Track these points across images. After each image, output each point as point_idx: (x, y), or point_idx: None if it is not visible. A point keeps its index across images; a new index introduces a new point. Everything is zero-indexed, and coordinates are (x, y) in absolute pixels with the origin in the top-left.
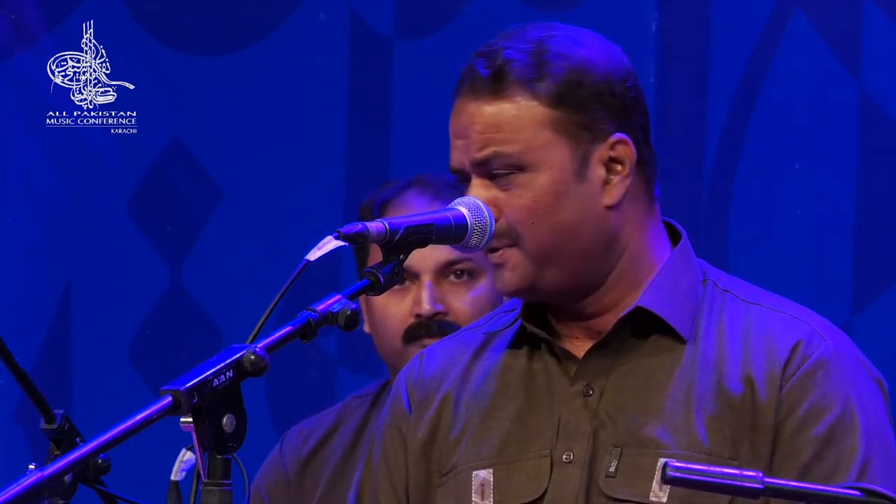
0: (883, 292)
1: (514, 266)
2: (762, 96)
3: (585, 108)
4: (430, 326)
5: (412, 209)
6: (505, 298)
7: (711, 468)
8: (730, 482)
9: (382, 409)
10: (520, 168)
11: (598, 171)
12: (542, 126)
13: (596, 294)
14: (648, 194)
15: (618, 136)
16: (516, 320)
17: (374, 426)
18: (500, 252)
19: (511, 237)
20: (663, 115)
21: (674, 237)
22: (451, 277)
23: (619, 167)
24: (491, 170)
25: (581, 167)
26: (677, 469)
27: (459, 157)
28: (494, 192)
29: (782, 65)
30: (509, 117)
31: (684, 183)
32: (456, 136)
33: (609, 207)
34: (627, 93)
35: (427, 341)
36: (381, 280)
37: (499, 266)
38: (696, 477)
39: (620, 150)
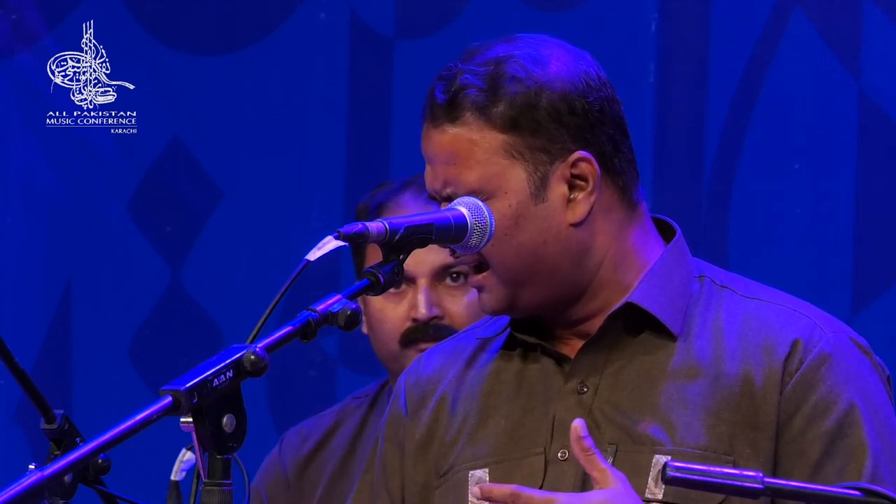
0: (883, 292)
1: (490, 289)
2: (762, 96)
3: (542, 129)
4: (426, 330)
5: (408, 211)
6: None
7: (711, 468)
8: (730, 482)
9: (382, 410)
10: (478, 196)
11: (560, 190)
12: (496, 153)
13: (580, 302)
14: (624, 201)
15: (579, 153)
16: (507, 328)
17: (373, 427)
18: (477, 276)
19: (479, 261)
20: (663, 115)
21: (668, 234)
22: (447, 281)
23: (582, 184)
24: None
25: (539, 189)
26: (677, 469)
27: (428, 185)
28: None
29: (782, 65)
30: (464, 145)
31: (684, 183)
32: (426, 160)
33: (574, 224)
34: (590, 108)
35: (423, 345)
36: (381, 280)
37: (478, 289)
38: (696, 477)
39: (583, 168)
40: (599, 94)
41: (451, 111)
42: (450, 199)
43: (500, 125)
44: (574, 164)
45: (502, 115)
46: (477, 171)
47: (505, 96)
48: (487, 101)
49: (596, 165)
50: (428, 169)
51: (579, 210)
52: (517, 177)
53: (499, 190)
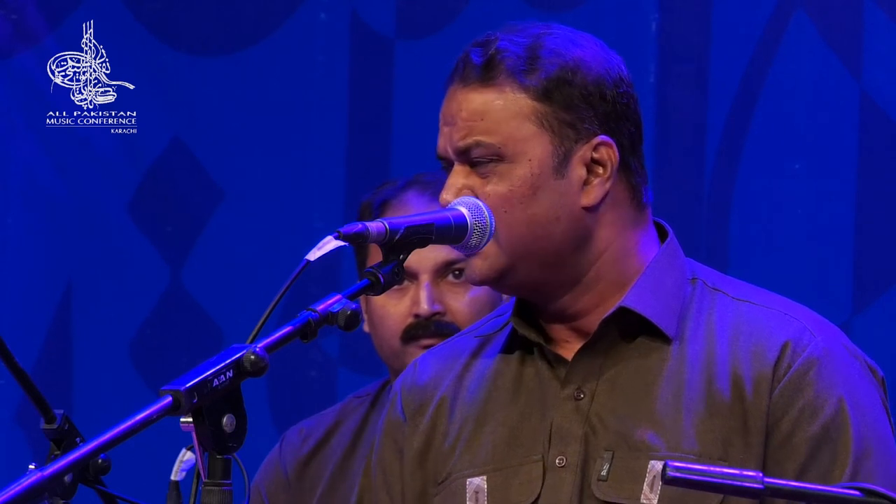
0: (883, 293)
1: (486, 255)
2: (762, 96)
3: (573, 106)
4: (428, 327)
5: (412, 209)
6: (505, 299)
7: (711, 468)
8: (730, 482)
9: (381, 413)
10: (500, 158)
11: (579, 171)
12: (526, 118)
13: (573, 293)
14: (634, 201)
15: (602, 138)
16: (507, 324)
17: (375, 426)
18: None
19: None
20: (663, 115)
21: (663, 237)
22: (450, 277)
23: (600, 169)
24: (471, 158)
25: (561, 164)
26: (677, 469)
27: (444, 143)
28: (473, 179)
29: (783, 65)
30: (495, 106)
31: (684, 183)
32: (443, 122)
33: (586, 208)
34: (618, 99)
35: (425, 341)
36: (381, 280)
37: (471, 255)
38: (696, 477)
39: (603, 153)
40: (628, 89)
41: (486, 72)
42: (466, 152)
43: (534, 93)
44: (596, 148)
45: (537, 84)
46: (504, 132)
47: (543, 66)
48: (525, 67)
49: (616, 152)
50: (444, 130)
51: (593, 194)
52: (543, 146)
53: (522, 155)
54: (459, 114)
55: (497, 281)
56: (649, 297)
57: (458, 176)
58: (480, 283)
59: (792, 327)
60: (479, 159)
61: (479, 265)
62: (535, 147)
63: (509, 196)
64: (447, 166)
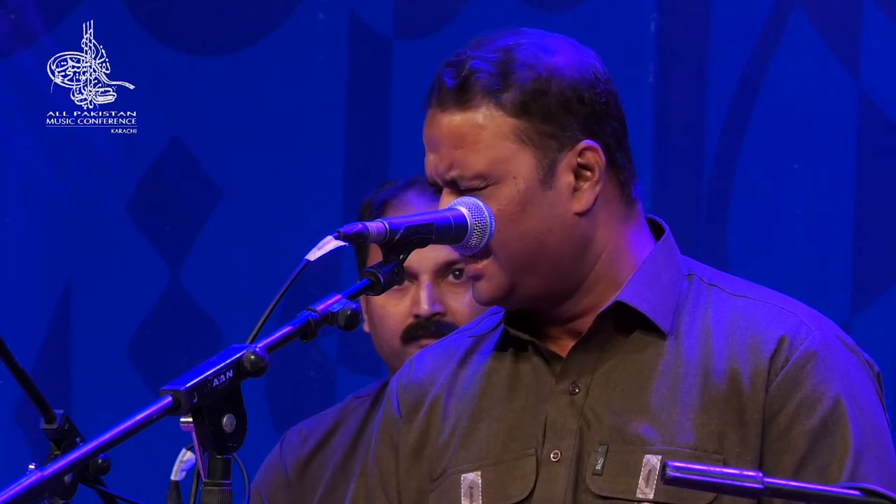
0: (883, 293)
1: (489, 277)
2: (761, 96)
3: (552, 116)
4: (428, 327)
5: (412, 209)
6: None
7: (711, 468)
8: (730, 482)
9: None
10: (485, 182)
11: (567, 179)
12: (505, 137)
13: (574, 297)
14: (624, 197)
15: (586, 143)
16: (500, 323)
17: (374, 427)
18: (477, 264)
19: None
20: (663, 115)
21: (658, 234)
22: (450, 278)
23: (588, 174)
24: (458, 187)
25: (547, 175)
26: (677, 469)
27: (430, 170)
28: None
29: (781, 65)
30: (473, 129)
31: (683, 183)
32: (427, 147)
33: (579, 214)
34: (597, 99)
35: (425, 342)
36: (381, 280)
37: (476, 277)
38: (696, 477)
39: (589, 157)
40: (606, 87)
41: (461, 95)
42: (453, 183)
43: (511, 110)
44: (581, 154)
45: (513, 100)
46: (486, 155)
47: (516, 82)
48: (499, 85)
49: (602, 155)
50: (430, 156)
51: (584, 199)
52: (526, 162)
53: (507, 174)
54: (441, 141)
55: (504, 300)
56: (645, 292)
57: (449, 199)
58: (489, 304)
59: (789, 321)
60: (466, 188)
61: (484, 287)
62: (518, 164)
63: (499, 215)
64: (437, 190)
